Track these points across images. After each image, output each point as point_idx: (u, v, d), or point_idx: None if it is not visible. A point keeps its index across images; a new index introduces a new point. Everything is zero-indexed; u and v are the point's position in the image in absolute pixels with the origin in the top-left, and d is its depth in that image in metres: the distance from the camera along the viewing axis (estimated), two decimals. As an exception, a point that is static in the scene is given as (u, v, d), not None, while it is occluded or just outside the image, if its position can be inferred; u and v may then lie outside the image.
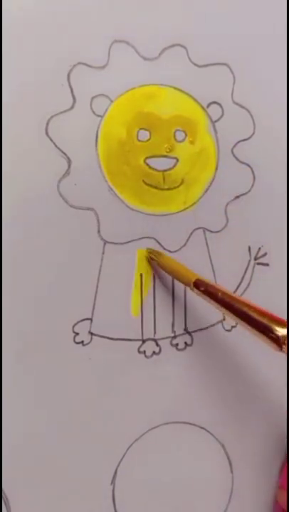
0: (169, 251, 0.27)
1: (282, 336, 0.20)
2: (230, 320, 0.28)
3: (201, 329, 0.28)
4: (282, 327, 0.20)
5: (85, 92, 0.25)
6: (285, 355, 0.21)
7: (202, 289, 0.23)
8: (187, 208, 0.27)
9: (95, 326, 0.26)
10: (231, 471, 0.28)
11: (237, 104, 0.28)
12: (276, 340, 0.20)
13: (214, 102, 0.27)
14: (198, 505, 0.28)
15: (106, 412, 0.26)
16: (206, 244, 0.28)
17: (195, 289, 0.24)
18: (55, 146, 0.25)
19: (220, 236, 0.28)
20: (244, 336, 0.28)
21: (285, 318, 0.29)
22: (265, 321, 0.21)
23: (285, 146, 0.29)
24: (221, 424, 0.28)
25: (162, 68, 0.26)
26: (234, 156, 0.28)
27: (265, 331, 0.21)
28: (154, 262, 0.26)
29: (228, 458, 0.28)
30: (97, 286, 0.26)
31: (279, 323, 0.21)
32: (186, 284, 0.25)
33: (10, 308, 0.24)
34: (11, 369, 0.24)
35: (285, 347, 0.20)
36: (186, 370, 0.27)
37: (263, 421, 0.29)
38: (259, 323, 0.21)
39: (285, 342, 0.20)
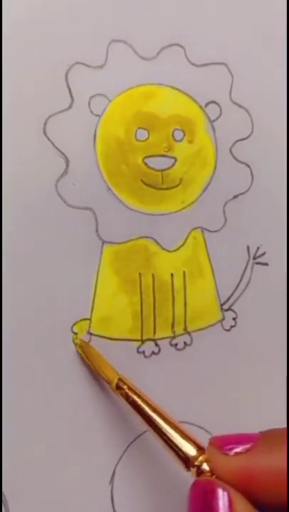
0: (167, 250, 0.27)
1: (192, 457, 0.21)
2: (230, 320, 0.28)
3: (200, 329, 0.28)
4: (195, 447, 0.21)
5: (83, 92, 0.25)
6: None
7: (123, 390, 0.24)
8: (185, 207, 0.27)
9: (93, 326, 0.26)
10: (230, 471, 0.28)
11: (235, 103, 0.28)
12: (185, 460, 0.21)
13: (212, 102, 0.27)
14: (197, 505, 0.28)
15: (105, 412, 0.26)
16: (205, 243, 0.28)
17: (116, 390, 0.24)
18: (53, 145, 0.25)
19: (218, 235, 0.28)
20: (243, 336, 0.28)
21: (284, 317, 0.29)
22: (178, 439, 0.21)
23: (284, 146, 0.29)
24: (220, 424, 0.28)
25: (160, 68, 0.26)
26: (232, 155, 0.28)
27: (176, 449, 0.21)
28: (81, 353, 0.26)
29: (227, 458, 0.28)
30: (95, 286, 0.26)
31: (195, 444, 0.21)
32: (108, 382, 0.24)
33: (7, 307, 0.24)
34: (9, 369, 0.24)
35: (193, 469, 0.21)
36: (186, 370, 0.27)
37: (262, 421, 0.29)
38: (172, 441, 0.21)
39: (195, 464, 0.20)
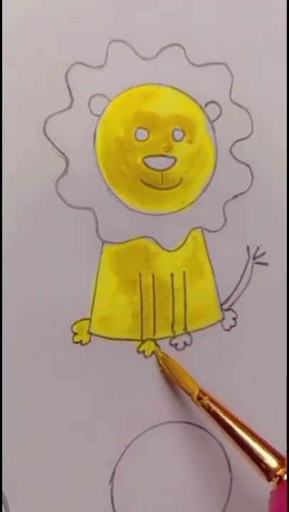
0: (167, 250, 0.27)
1: (274, 469, 0.21)
2: (230, 320, 0.28)
3: (200, 329, 0.28)
4: (275, 458, 0.21)
5: (83, 92, 0.25)
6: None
7: (204, 401, 0.24)
8: (185, 207, 0.27)
9: (93, 326, 0.26)
10: (230, 471, 0.28)
11: (235, 103, 0.28)
12: (267, 471, 0.21)
13: (212, 102, 0.27)
14: (197, 504, 0.28)
15: (105, 412, 0.26)
16: (205, 243, 0.28)
17: (197, 401, 0.25)
18: (53, 145, 0.25)
19: (218, 235, 0.28)
20: (243, 336, 0.28)
21: (284, 316, 0.29)
22: (259, 451, 0.22)
23: (284, 146, 0.29)
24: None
25: (160, 68, 0.26)
26: (232, 155, 0.28)
27: (258, 460, 0.22)
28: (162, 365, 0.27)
29: (227, 457, 0.28)
30: (95, 286, 0.26)
31: (275, 455, 0.22)
32: (189, 393, 0.25)
33: (7, 307, 0.24)
34: (9, 369, 0.24)
35: (275, 480, 0.21)
36: (185, 369, 0.27)
37: (262, 421, 0.29)
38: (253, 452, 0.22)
39: (276, 474, 0.21)
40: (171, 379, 0.26)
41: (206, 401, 0.24)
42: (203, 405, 0.24)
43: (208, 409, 0.24)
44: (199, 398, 0.25)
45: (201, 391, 0.25)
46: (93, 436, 0.26)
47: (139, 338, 0.27)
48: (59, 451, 0.26)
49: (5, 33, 0.24)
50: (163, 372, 0.27)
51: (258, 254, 0.29)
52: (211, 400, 0.24)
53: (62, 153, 0.25)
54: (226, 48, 0.27)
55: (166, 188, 0.27)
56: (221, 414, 0.24)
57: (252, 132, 0.28)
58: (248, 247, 0.28)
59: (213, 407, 0.24)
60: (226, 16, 0.27)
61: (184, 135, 0.27)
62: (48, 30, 0.25)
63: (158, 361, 0.27)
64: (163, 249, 0.27)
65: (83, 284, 0.26)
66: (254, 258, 0.29)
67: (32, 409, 0.25)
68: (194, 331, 0.28)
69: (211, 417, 0.24)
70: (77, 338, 0.26)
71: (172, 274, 0.27)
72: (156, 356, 0.27)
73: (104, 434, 0.26)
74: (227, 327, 0.28)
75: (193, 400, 0.25)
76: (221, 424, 0.23)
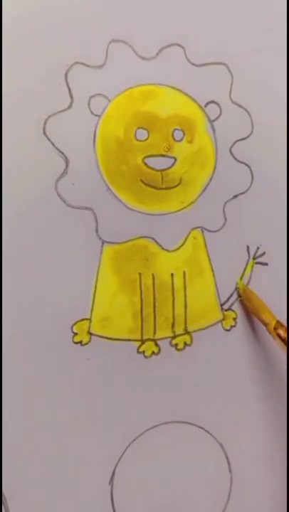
0: (167, 250, 0.27)
1: None
2: (230, 320, 0.28)
3: (200, 329, 0.28)
4: None
5: (83, 92, 0.25)
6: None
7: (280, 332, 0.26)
8: (185, 207, 0.27)
9: (93, 326, 0.26)
10: (230, 471, 0.28)
11: (235, 103, 0.28)
12: None
13: (212, 102, 0.27)
14: (197, 504, 0.28)
15: (104, 412, 0.26)
16: (205, 243, 0.28)
17: (273, 332, 0.26)
18: (53, 145, 0.25)
19: (218, 235, 0.28)
20: (243, 336, 0.28)
21: (284, 316, 0.29)
22: None
23: (284, 145, 0.29)
24: (220, 423, 0.28)
25: (160, 68, 0.26)
26: (232, 155, 0.28)
27: None
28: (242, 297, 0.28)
29: (227, 457, 0.28)
30: (95, 286, 0.26)
31: None
32: (265, 323, 0.27)
33: (7, 307, 0.24)
34: (9, 369, 0.24)
35: None
36: (186, 370, 0.27)
37: (261, 420, 0.29)
38: None
39: None
40: (250, 310, 0.28)
41: (282, 332, 0.26)
42: (279, 336, 0.26)
43: (283, 340, 0.26)
44: (275, 328, 0.26)
45: (277, 322, 0.26)
46: (93, 436, 0.26)
47: (139, 338, 0.27)
48: (59, 451, 0.25)
49: (5, 32, 0.24)
50: (242, 302, 0.28)
51: (258, 254, 0.29)
52: (287, 331, 0.26)
53: (62, 153, 0.25)
54: (226, 48, 0.27)
55: (166, 188, 0.27)
56: None
57: (252, 132, 0.28)
58: (248, 247, 0.28)
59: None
60: (226, 16, 0.27)
61: (184, 135, 0.27)
62: (47, 30, 0.25)
63: (238, 292, 0.28)
64: (163, 249, 0.27)
65: (83, 284, 0.26)
66: (254, 258, 0.29)
67: (32, 409, 0.25)
68: (194, 331, 0.28)
69: (285, 347, 0.26)
70: (77, 338, 0.26)
71: (172, 274, 0.27)
72: (238, 288, 0.28)
73: (104, 434, 0.26)
74: (227, 327, 0.28)
75: (269, 330, 0.26)
76: None
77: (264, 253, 0.29)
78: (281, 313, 0.29)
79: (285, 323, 0.29)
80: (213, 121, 0.27)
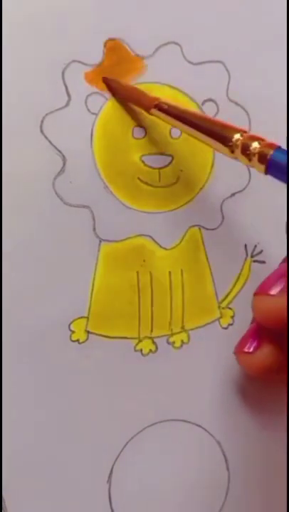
0: (165, 248, 0.27)
1: (235, 140, 0.22)
2: (228, 318, 0.28)
3: (198, 327, 0.28)
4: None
5: (80, 90, 0.25)
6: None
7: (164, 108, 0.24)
8: (182, 205, 0.27)
9: (91, 324, 0.26)
10: (227, 469, 0.28)
11: (232, 101, 0.28)
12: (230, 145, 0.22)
13: (209, 100, 0.27)
14: (195, 502, 0.28)
15: (102, 410, 0.26)
16: (202, 241, 0.28)
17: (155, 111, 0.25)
18: (50, 143, 0.25)
19: (216, 233, 0.28)
20: (241, 334, 0.28)
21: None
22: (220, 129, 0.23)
23: (282, 143, 0.29)
24: (218, 421, 0.28)
25: (157, 66, 0.26)
26: (230, 153, 0.28)
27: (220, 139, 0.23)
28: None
29: (224, 455, 0.28)
30: (92, 284, 0.26)
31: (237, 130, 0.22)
32: (147, 108, 0.25)
33: (4, 305, 0.24)
34: (6, 368, 0.24)
35: (237, 150, 0.22)
36: (183, 368, 0.27)
37: (260, 419, 0.29)
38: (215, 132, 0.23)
39: (238, 145, 0.22)
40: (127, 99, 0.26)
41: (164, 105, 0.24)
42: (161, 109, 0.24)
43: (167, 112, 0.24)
44: (160, 107, 0.24)
45: (158, 100, 0.25)
46: (90, 435, 0.26)
47: (136, 336, 0.27)
48: (56, 450, 0.26)
49: (2, 31, 0.24)
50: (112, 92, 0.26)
51: (255, 252, 0.29)
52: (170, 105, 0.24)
53: (60, 152, 0.25)
54: (223, 46, 0.27)
55: (164, 186, 0.27)
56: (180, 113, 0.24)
57: (249, 130, 0.28)
58: (245, 246, 0.28)
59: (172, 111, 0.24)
60: (223, 13, 0.27)
61: (181, 133, 0.27)
62: (44, 29, 0.25)
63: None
64: (160, 247, 0.27)
65: (80, 282, 0.26)
66: (252, 256, 0.29)
67: (29, 408, 0.25)
68: (192, 329, 0.28)
69: (173, 119, 0.24)
70: (74, 337, 0.26)
71: (170, 273, 0.27)
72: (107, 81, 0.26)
73: (102, 432, 0.26)
74: (225, 325, 0.28)
75: (150, 113, 0.25)
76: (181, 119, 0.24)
77: (261, 251, 0.29)
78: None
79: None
80: (211, 119, 0.27)
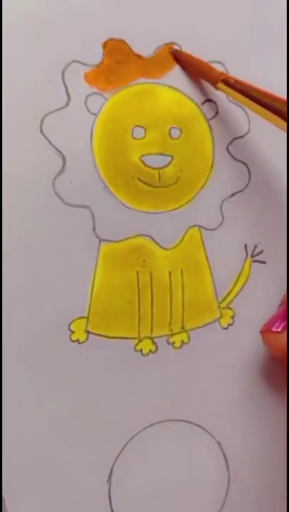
0: (165, 249, 0.27)
1: None
2: (228, 318, 0.28)
3: (198, 327, 0.28)
4: None
5: (80, 90, 0.25)
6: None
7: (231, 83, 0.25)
8: (182, 205, 0.27)
9: (91, 324, 0.26)
10: (227, 469, 0.28)
11: (232, 101, 0.28)
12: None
13: (209, 100, 0.27)
14: (195, 502, 0.28)
15: (102, 411, 0.26)
16: (202, 241, 0.28)
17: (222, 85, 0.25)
18: (50, 144, 0.25)
19: (216, 233, 0.28)
20: (241, 334, 0.28)
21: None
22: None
23: (281, 144, 0.29)
24: (218, 421, 0.28)
25: (157, 66, 0.26)
26: (230, 153, 0.28)
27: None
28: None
29: (225, 455, 0.28)
30: (92, 284, 0.26)
31: None
32: (214, 81, 0.25)
33: (4, 306, 0.24)
34: (6, 368, 0.24)
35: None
36: (183, 368, 0.27)
37: (260, 419, 0.29)
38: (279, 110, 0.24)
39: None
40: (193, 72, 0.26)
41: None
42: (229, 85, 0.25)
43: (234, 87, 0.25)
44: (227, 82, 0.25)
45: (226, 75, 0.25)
46: (90, 435, 0.26)
47: (136, 336, 0.27)
48: (56, 450, 0.26)
49: (2, 31, 0.24)
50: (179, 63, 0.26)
51: (255, 252, 0.29)
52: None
53: (59, 152, 0.25)
54: (223, 46, 0.27)
55: (163, 186, 0.27)
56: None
57: (249, 130, 0.28)
58: (245, 246, 0.28)
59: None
60: (223, 13, 0.27)
61: (181, 133, 0.27)
62: (44, 29, 0.25)
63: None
64: (160, 247, 0.27)
65: (80, 282, 0.26)
66: (252, 256, 0.29)
67: (29, 408, 0.25)
68: (192, 329, 0.28)
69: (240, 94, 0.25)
70: (74, 337, 0.26)
71: (170, 273, 0.27)
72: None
73: (102, 432, 0.26)
74: (225, 325, 0.28)
75: (218, 87, 0.25)
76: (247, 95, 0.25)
77: (262, 251, 0.29)
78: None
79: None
80: (210, 119, 0.27)
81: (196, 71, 0.26)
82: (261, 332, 0.27)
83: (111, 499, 0.26)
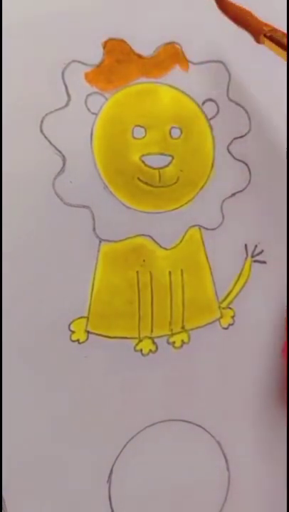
0: (165, 248, 0.27)
1: None
2: (228, 318, 0.28)
3: (198, 327, 0.28)
4: None
5: (80, 90, 0.25)
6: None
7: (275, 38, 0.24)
8: (183, 205, 0.27)
9: (91, 324, 0.26)
10: (228, 469, 0.28)
11: (232, 101, 0.28)
12: None
13: (209, 100, 0.27)
14: (195, 503, 0.28)
15: (102, 410, 0.26)
16: (202, 241, 0.28)
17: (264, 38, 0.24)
18: (50, 143, 0.25)
19: (216, 233, 0.28)
20: (241, 334, 0.28)
21: (284, 315, 0.29)
22: None
23: (282, 143, 0.29)
24: (218, 421, 0.28)
25: (157, 66, 0.26)
26: (230, 153, 0.28)
27: None
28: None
29: (225, 456, 0.28)
30: (92, 284, 0.26)
31: None
32: (256, 33, 0.24)
33: (4, 306, 0.24)
34: (7, 368, 0.24)
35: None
36: (183, 368, 0.27)
37: (260, 419, 0.29)
38: None
39: None
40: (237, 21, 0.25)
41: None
42: (271, 39, 0.24)
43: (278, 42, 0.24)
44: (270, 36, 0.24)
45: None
46: (90, 435, 0.26)
47: (136, 336, 0.27)
48: (56, 450, 0.26)
49: (2, 31, 0.24)
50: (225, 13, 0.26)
51: (256, 252, 0.29)
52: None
53: (59, 152, 0.25)
54: (223, 46, 0.27)
55: (164, 186, 0.27)
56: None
57: (249, 130, 0.28)
58: (246, 245, 0.28)
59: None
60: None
61: (181, 133, 0.27)
62: (45, 29, 0.25)
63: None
64: (160, 247, 0.27)
65: (80, 282, 0.26)
66: (252, 256, 0.29)
67: (29, 408, 0.25)
68: (192, 329, 0.28)
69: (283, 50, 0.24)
70: (74, 337, 0.26)
71: (170, 273, 0.27)
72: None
73: (102, 432, 0.26)
74: (225, 325, 0.28)
75: (260, 40, 0.24)
76: None
77: (262, 251, 0.29)
78: (280, 312, 0.29)
79: (284, 320, 0.29)
80: (211, 119, 0.27)
81: (240, 20, 0.25)
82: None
83: (111, 499, 0.26)
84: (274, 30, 0.24)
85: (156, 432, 0.27)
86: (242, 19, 0.25)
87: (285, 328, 0.29)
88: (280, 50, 0.23)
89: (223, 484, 0.28)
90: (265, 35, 0.24)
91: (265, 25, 0.24)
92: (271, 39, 0.24)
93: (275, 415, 0.29)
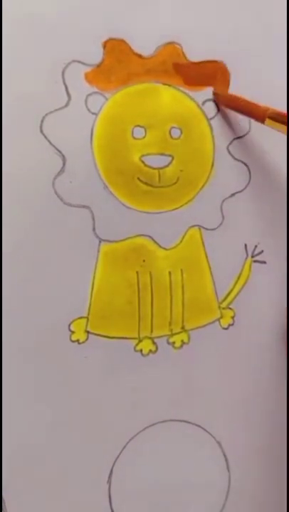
0: (165, 249, 0.27)
1: None
2: (228, 318, 0.28)
3: (198, 327, 0.28)
4: None
5: (80, 90, 0.25)
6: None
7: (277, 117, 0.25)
8: (183, 205, 0.27)
9: (91, 324, 0.26)
10: (228, 469, 0.28)
11: (232, 101, 0.28)
12: None
13: (210, 100, 0.27)
14: (195, 503, 0.28)
15: (102, 411, 0.26)
16: (202, 241, 0.28)
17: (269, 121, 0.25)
18: (50, 143, 0.25)
19: (216, 233, 0.28)
20: (241, 334, 0.28)
21: (284, 315, 0.29)
22: None
23: (281, 144, 0.29)
24: (218, 422, 0.28)
25: (157, 66, 0.26)
26: (230, 153, 0.28)
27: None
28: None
29: (225, 456, 0.28)
30: (92, 284, 0.26)
31: None
32: (261, 118, 0.25)
33: (4, 306, 0.24)
34: (7, 368, 0.24)
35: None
36: (183, 368, 0.27)
37: (260, 419, 0.29)
38: None
39: None
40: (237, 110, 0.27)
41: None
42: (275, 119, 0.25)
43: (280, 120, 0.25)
44: (272, 118, 0.25)
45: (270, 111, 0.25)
46: (90, 435, 0.26)
47: (136, 336, 0.27)
48: (57, 450, 0.26)
49: (2, 31, 0.24)
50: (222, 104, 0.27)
51: (256, 252, 0.29)
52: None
53: (59, 152, 0.25)
54: (224, 46, 0.27)
55: (163, 186, 0.27)
56: None
57: (249, 130, 0.28)
58: (245, 246, 0.28)
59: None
60: (224, 13, 0.27)
61: (181, 133, 0.27)
62: (45, 29, 0.25)
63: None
64: (160, 247, 0.27)
65: (80, 282, 0.26)
66: (252, 256, 0.29)
67: (29, 408, 0.25)
68: (192, 329, 0.28)
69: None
70: (74, 337, 0.26)
71: (170, 273, 0.27)
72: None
73: (102, 433, 0.26)
74: (225, 325, 0.28)
75: (266, 124, 0.25)
76: None
77: (262, 251, 0.29)
78: (280, 312, 0.29)
79: (284, 320, 0.29)
80: (211, 119, 0.27)
81: (240, 109, 0.27)
82: None
83: (111, 499, 0.26)
84: (274, 111, 0.25)
85: (156, 432, 0.27)
86: (244, 108, 0.26)
87: (285, 328, 0.29)
88: (283, 126, 0.25)
89: (223, 484, 0.28)
90: (269, 117, 0.25)
91: (265, 108, 0.26)
92: (274, 119, 0.25)
93: (275, 415, 0.29)
